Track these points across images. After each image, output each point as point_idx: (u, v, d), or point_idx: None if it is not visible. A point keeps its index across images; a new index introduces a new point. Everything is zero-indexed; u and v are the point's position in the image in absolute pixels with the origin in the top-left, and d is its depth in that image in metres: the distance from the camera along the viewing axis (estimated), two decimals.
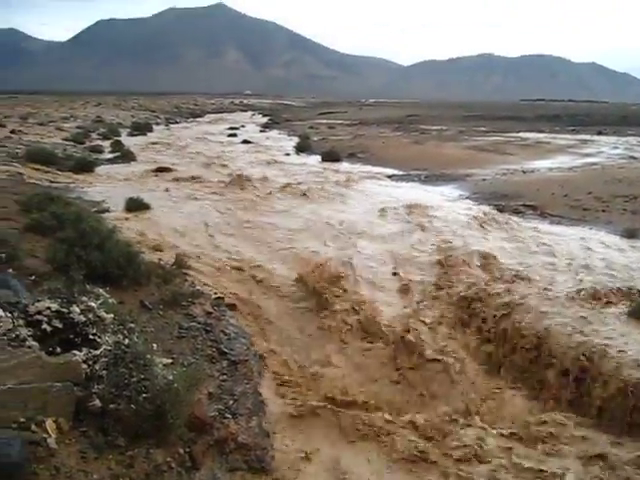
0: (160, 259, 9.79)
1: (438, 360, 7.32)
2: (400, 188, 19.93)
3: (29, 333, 4.84)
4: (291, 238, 12.78)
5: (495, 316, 8.05)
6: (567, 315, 7.52)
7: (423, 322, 8.32)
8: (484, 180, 21.03)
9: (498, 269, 10.30)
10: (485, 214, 15.24)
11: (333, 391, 6.63)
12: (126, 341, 5.02)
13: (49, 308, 5.02)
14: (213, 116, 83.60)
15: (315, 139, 37.30)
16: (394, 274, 10.45)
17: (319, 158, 27.74)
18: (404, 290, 9.73)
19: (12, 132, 35.49)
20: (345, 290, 9.33)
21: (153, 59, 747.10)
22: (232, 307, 8.42)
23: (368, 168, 24.77)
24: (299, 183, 19.71)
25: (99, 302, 5.40)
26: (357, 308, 8.72)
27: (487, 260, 10.82)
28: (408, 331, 7.89)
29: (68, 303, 5.12)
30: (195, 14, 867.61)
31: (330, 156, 27.37)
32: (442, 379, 7.09)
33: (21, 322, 4.94)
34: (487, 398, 6.80)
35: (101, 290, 5.85)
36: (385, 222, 14.48)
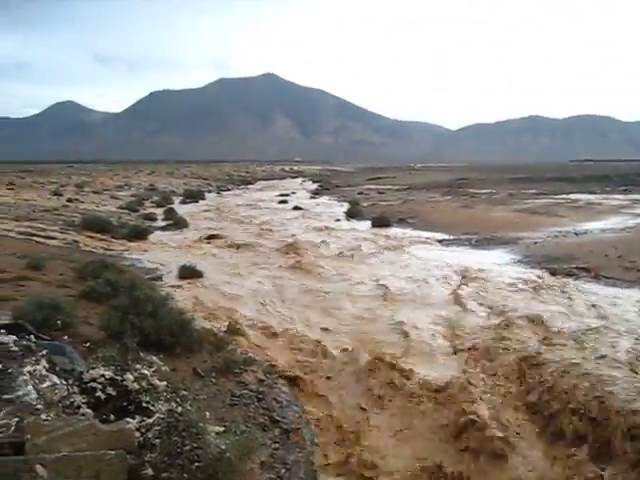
0: (213, 326, 9.87)
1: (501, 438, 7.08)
2: (451, 253, 19.78)
3: (83, 400, 4.92)
4: (343, 304, 12.75)
5: (550, 381, 7.82)
6: (628, 381, 7.26)
7: (479, 389, 8.12)
8: (535, 243, 20.75)
9: (552, 333, 10.08)
10: (537, 277, 14.99)
11: (375, 459, 6.50)
12: (179, 409, 5.05)
13: (103, 375, 5.11)
14: (264, 183, 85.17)
15: (365, 205, 37.54)
16: (449, 341, 10.31)
17: (369, 224, 27.81)
18: (457, 356, 9.57)
19: (69, 200, 36.80)
20: (397, 357, 9.20)
21: (205, 128, 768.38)
22: (284, 375, 8.39)
23: (418, 233, 24.72)
24: (350, 249, 19.80)
25: (152, 370, 5.46)
26: (407, 374, 8.59)
27: (540, 324, 10.61)
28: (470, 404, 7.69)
29: (122, 371, 5.20)
30: (245, 84, 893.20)
31: (380, 222, 27.45)
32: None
33: (76, 389, 5.03)
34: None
35: (154, 358, 5.93)
36: (436, 287, 14.36)
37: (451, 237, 23.13)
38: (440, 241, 22.35)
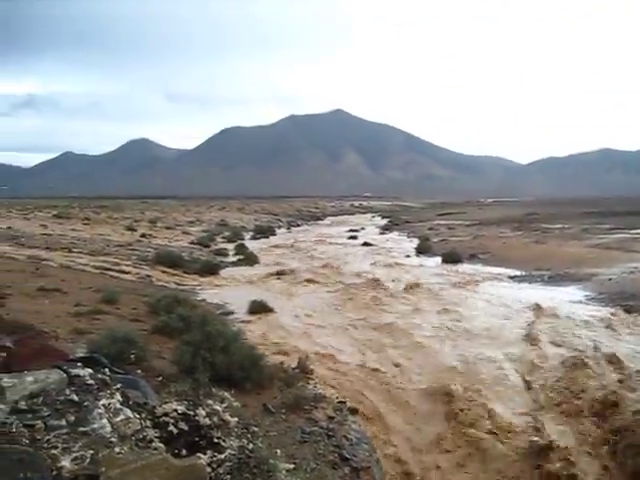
0: (283, 362, 9.91)
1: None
2: (523, 289, 19.40)
3: (156, 434, 4.98)
4: (415, 341, 12.64)
5: (630, 422, 7.54)
6: None
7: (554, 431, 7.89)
8: (610, 279, 20.09)
9: (628, 372, 9.74)
10: (611, 315, 14.56)
11: None
12: (250, 446, 5.07)
13: (176, 410, 5.17)
14: (333, 218, 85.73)
15: (435, 240, 37.31)
16: (524, 381, 10.07)
17: (439, 260, 27.62)
18: (531, 394, 9.34)
19: (142, 236, 37.83)
20: (472, 400, 9.02)
21: (275, 164, 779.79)
22: (354, 411, 8.33)
23: (489, 269, 24.41)
24: (421, 285, 19.65)
25: (224, 405, 5.51)
26: (485, 416, 8.41)
27: (616, 363, 10.29)
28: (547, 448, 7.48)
29: (194, 406, 5.26)
30: (314, 120, 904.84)
31: (451, 257, 27.21)
32: None
33: (149, 423, 5.11)
34: None
35: (226, 393, 5.97)
36: (508, 324, 14.08)
37: (523, 273, 22.67)
38: (512, 277, 21.95)
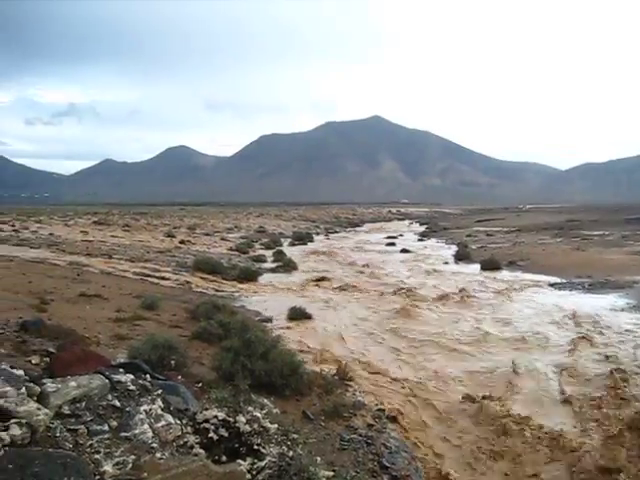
0: (321, 369, 9.90)
1: None
2: (563, 296, 19.10)
3: (196, 440, 5.01)
4: (454, 348, 12.55)
5: None
6: None
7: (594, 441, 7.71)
8: None
9: None
10: None
11: None
12: (290, 453, 5.07)
13: (216, 417, 5.19)
14: (371, 225, 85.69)
15: (474, 247, 37.05)
16: (562, 388, 9.91)
17: (478, 267, 27.41)
18: (571, 404, 9.16)
19: (181, 242, 38.22)
20: (508, 409, 8.88)
21: (312, 171, 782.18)
22: (393, 419, 8.29)
23: (529, 276, 24.11)
24: (460, 292, 19.50)
25: (264, 412, 5.51)
26: (524, 425, 8.27)
27: None
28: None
29: (234, 412, 5.27)
30: (352, 127, 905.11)
31: (490, 264, 26.98)
32: None
33: (189, 429, 5.14)
34: None
35: (266, 400, 5.98)
36: (548, 332, 13.86)
37: (563, 280, 22.34)
38: (552, 285, 21.63)
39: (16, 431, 3.73)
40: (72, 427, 4.34)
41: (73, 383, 4.77)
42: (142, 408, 4.98)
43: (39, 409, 4.02)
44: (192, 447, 4.91)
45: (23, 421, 3.83)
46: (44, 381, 4.67)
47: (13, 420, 3.80)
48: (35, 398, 4.36)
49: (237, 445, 5.08)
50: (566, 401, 9.41)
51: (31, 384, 4.48)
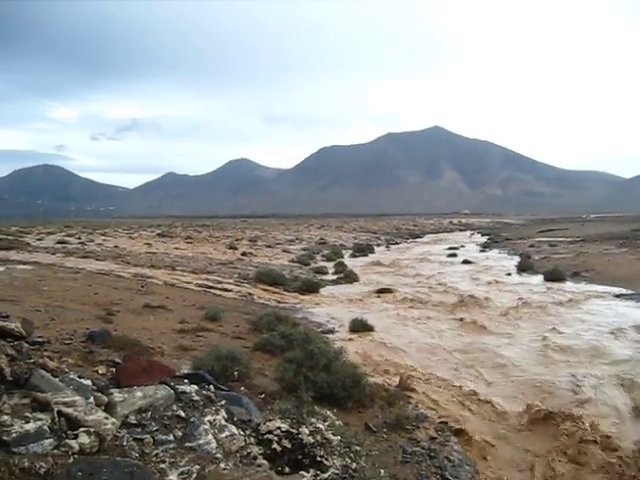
0: (384, 381, 9.86)
1: None
2: (629, 308, 18.52)
3: (260, 451, 5.05)
4: (518, 361, 12.31)
5: None
6: None
7: None
8: None
9: None
10: None
11: None
12: (354, 465, 5.06)
13: (279, 428, 5.22)
14: (432, 236, 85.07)
15: (536, 258, 36.31)
16: (629, 400, 9.60)
17: (541, 278, 26.88)
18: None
19: (243, 254, 38.61)
20: (578, 422, 8.62)
21: (373, 182, 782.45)
22: (456, 432, 8.17)
23: (593, 287, 23.47)
24: (523, 304, 19.15)
25: (327, 424, 5.51)
26: (592, 440, 8.01)
27: None
28: None
29: (297, 424, 5.29)
30: (412, 137, 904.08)
31: (553, 275, 26.39)
32: None
33: (253, 440, 5.18)
34: None
35: (328, 412, 5.97)
36: (613, 345, 13.47)
37: (629, 292, 21.65)
38: (617, 296, 20.97)
39: (85, 439, 3.82)
40: (138, 436, 4.43)
41: (139, 393, 4.87)
42: (206, 419, 5.05)
43: (107, 418, 4.11)
44: (255, 458, 4.95)
45: (91, 430, 3.92)
46: (111, 391, 4.78)
47: (82, 429, 3.90)
48: (103, 407, 4.46)
49: (300, 456, 5.10)
50: (634, 413, 9.14)
51: (99, 394, 4.59)
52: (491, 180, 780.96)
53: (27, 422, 3.72)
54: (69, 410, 3.97)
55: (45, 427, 3.75)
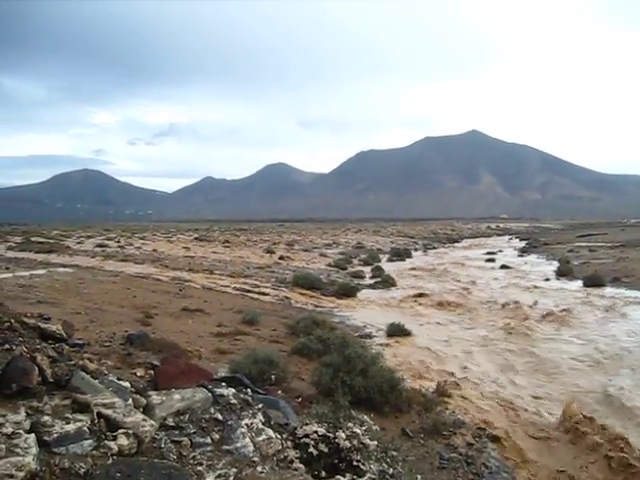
0: (421, 386, 9.79)
1: None
2: None
3: (296, 455, 5.04)
4: (557, 368, 12.13)
5: None
6: None
7: None
8: None
9: None
10: None
11: None
12: (390, 470, 5.03)
13: (316, 432, 5.21)
14: (470, 241, 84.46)
15: (576, 263, 35.71)
16: None
17: (581, 283, 26.48)
18: None
19: (280, 258, 38.75)
20: (611, 433, 8.43)
21: (410, 186, 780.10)
22: (494, 439, 8.08)
23: (634, 293, 22.94)
24: (563, 310, 18.85)
25: (363, 428, 5.49)
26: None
27: None
28: None
29: (334, 428, 5.28)
30: (450, 142, 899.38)
31: (593, 281, 25.94)
32: None
33: (289, 444, 5.18)
34: None
35: (365, 416, 5.96)
36: None
37: None
38: None
39: (123, 441, 3.86)
40: (176, 439, 4.46)
41: (177, 396, 4.90)
42: (243, 422, 5.06)
43: (145, 420, 4.14)
44: (292, 462, 4.95)
45: (130, 432, 3.95)
46: (149, 393, 4.82)
47: (121, 430, 3.94)
48: (141, 409, 4.50)
49: (337, 461, 5.09)
50: None
51: (137, 396, 4.63)
52: (529, 184, 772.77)
53: (67, 423, 3.77)
54: (108, 412, 4.01)
55: (85, 428, 3.80)
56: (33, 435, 3.48)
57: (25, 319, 4.60)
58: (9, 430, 3.41)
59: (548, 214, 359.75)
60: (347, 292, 22.82)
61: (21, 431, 3.44)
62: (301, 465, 4.95)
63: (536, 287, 25.64)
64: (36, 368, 3.93)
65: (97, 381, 4.42)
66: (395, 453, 5.61)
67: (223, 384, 5.68)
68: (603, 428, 8.43)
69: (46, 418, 3.71)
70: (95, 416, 3.93)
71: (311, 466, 5.02)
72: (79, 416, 3.88)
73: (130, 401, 4.42)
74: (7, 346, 3.93)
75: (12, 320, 4.27)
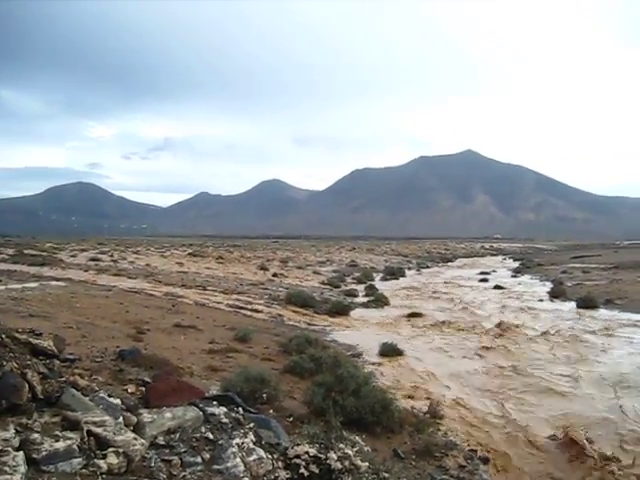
0: (413, 406, 9.76)
1: None
2: None
3: (287, 476, 5.03)
4: (550, 390, 12.09)
5: None
6: None
7: None
8: None
9: None
10: None
11: None
12: None
13: (307, 453, 5.20)
14: (464, 260, 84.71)
15: (569, 284, 35.73)
16: None
17: (574, 305, 26.35)
18: None
19: (274, 275, 38.73)
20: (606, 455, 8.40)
21: (405, 204, 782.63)
22: (485, 461, 8.06)
23: (627, 315, 22.78)
24: (556, 332, 18.78)
25: (355, 449, 5.47)
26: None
27: None
28: None
29: (326, 449, 5.26)
30: (445, 161, 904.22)
31: (586, 303, 25.81)
32: None
33: (280, 464, 5.16)
34: None
35: (357, 437, 5.94)
36: None
37: None
38: None
39: (113, 460, 3.83)
40: (166, 457, 4.44)
41: (168, 414, 4.88)
42: (234, 441, 5.04)
43: (135, 439, 4.12)
44: None
45: (120, 450, 3.93)
46: (140, 411, 4.80)
47: (111, 449, 3.91)
48: (132, 428, 4.48)
49: None
50: None
51: (128, 414, 4.61)
52: (523, 205, 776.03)
53: (57, 441, 3.75)
54: (98, 430, 3.99)
55: (74, 446, 3.77)
56: (22, 453, 3.45)
57: (17, 334, 4.58)
58: None
59: (542, 235, 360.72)
60: (340, 310, 22.77)
61: (9, 449, 3.42)
62: None
63: (530, 308, 25.59)
64: (26, 385, 3.91)
65: (88, 398, 4.40)
66: (387, 475, 5.60)
67: (215, 403, 5.67)
68: (593, 450, 8.41)
69: (35, 436, 3.69)
70: (85, 434, 3.91)
71: None
72: (69, 434, 3.86)
73: (121, 419, 4.40)
74: None
75: (3, 336, 4.25)
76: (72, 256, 48.07)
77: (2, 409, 3.72)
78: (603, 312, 24.17)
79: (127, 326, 13.66)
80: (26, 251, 49.92)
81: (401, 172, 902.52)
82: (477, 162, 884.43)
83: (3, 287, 18.32)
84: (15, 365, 4.00)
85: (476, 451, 8.29)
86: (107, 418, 4.12)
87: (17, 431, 3.68)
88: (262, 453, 5.11)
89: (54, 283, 21.61)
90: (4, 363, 3.94)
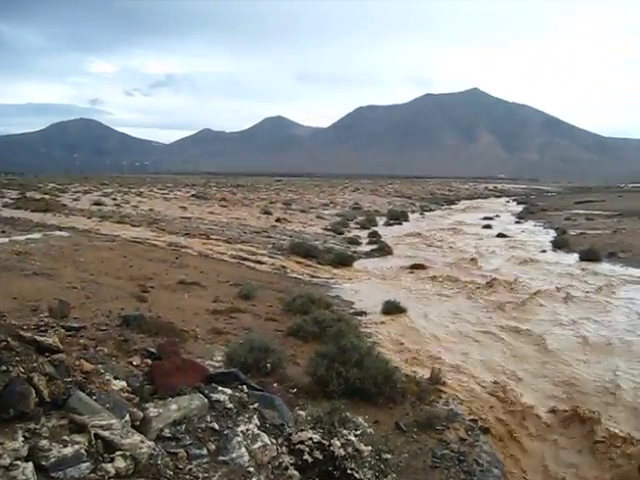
0: (414, 372, 9.80)
1: None
2: None
3: (291, 461, 5.12)
4: (550, 353, 12.03)
5: None
6: None
7: None
8: None
9: None
10: None
11: None
12: (384, 479, 5.14)
13: (311, 439, 5.28)
14: (467, 202, 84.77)
15: (572, 233, 35.62)
16: None
17: (577, 257, 26.21)
18: None
19: (277, 220, 38.74)
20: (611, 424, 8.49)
21: (409, 143, 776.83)
22: (485, 431, 8.14)
23: (630, 271, 22.38)
24: (557, 288, 18.53)
25: (358, 433, 5.54)
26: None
27: None
28: None
29: (329, 435, 5.34)
30: (450, 100, 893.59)
31: (589, 255, 25.65)
32: None
33: (284, 449, 5.25)
34: None
35: (360, 419, 5.99)
36: None
37: None
38: None
39: (120, 463, 3.90)
40: (172, 450, 4.52)
41: (174, 406, 4.95)
42: (239, 429, 5.11)
43: (142, 442, 4.17)
44: (287, 468, 5.02)
45: (127, 453, 3.99)
46: (146, 405, 4.86)
47: (118, 452, 3.97)
48: (138, 423, 4.54)
49: (331, 468, 5.16)
50: None
51: (134, 409, 4.66)
52: (529, 145, 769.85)
53: (65, 446, 3.80)
54: (105, 433, 4.04)
55: (82, 451, 3.83)
56: (31, 464, 3.51)
57: (22, 332, 4.61)
58: (7, 461, 3.44)
59: (546, 176, 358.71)
60: (343, 261, 22.85)
61: (19, 462, 3.47)
62: (296, 472, 5.04)
63: (532, 260, 25.33)
64: (33, 391, 3.95)
65: (94, 398, 4.44)
66: (389, 456, 5.68)
67: (220, 388, 5.71)
68: (594, 418, 8.49)
69: (44, 442, 3.74)
70: (92, 437, 3.97)
71: (305, 473, 5.10)
72: (76, 438, 3.91)
73: (127, 417, 4.45)
74: (4, 367, 3.94)
75: (9, 338, 4.27)
76: (75, 200, 48.03)
77: (10, 417, 3.77)
78: (605, 266, 23.74)
79: (131, 283, 13.75)
80: (29, 194, 49.92)
81: (406, 110, 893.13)
82: (483, 101, 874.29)
83: (7, 239, 18.36)
84: (21, 370, 4.04)
85: (477, 421, 8.34)
86: (114, 421, 4.17)
87: (25, 437, 3.73)
88: (266, 439, 5.19)
89: (57, 233, 21.66)
90: (10, 369, 3.97)
